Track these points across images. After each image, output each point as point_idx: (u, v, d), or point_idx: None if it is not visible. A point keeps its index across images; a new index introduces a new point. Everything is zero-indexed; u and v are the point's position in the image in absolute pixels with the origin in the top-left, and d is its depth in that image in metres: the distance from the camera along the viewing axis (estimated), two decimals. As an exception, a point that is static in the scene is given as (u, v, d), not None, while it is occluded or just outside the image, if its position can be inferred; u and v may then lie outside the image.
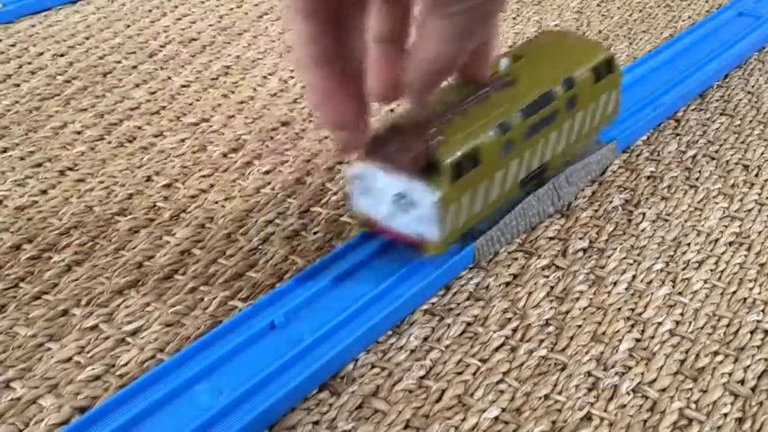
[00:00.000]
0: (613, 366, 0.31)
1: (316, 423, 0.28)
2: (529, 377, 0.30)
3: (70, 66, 0.53)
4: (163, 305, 0.33)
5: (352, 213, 0.36)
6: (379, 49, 0.28)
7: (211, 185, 0.41)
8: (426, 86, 0.29)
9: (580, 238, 0.37)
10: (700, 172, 0.41)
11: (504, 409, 0.29)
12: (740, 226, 0.38)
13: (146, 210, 0.39)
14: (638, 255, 0.36)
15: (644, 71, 0.48)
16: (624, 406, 0.29)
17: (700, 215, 0.38)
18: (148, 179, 0.41)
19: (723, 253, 0.36)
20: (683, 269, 0.35)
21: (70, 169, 0.42)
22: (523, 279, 0.35)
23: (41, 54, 0.54)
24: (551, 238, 0.37)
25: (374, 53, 0.28)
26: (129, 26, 0.58)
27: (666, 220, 0.38)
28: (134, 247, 0.37)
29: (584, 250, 0.36)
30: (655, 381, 0.30)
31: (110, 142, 0.45)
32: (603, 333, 0.32)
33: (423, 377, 0.30)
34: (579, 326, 0.32)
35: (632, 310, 0.33)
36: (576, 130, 0.37)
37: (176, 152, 0.44)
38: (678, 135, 0.45)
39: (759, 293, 0.34)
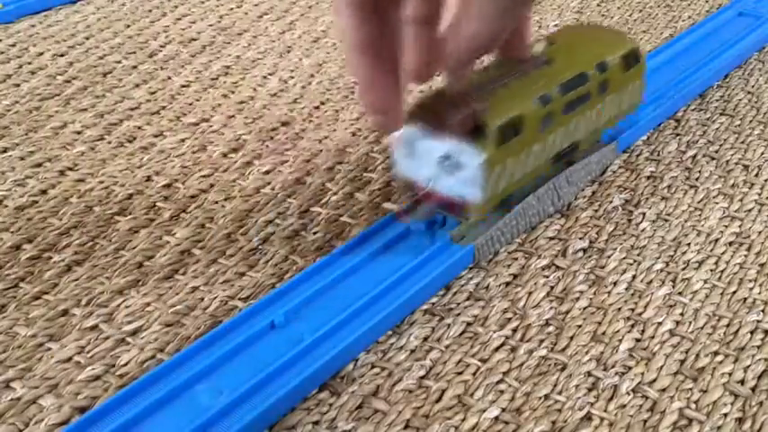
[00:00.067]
0: (613, 366, 0.31)
1: (316, 423, 0.28)
2: (529, 377, 0.30)
3: (70, 66, 0.53)
4: (163, 305, 0.33)
5: (395, 177, 0.36)
6: (414, 30, 0.30)
7: (211, 185, 0.41)
8: (466, 62, 0.30)
9: (580, 238, 0.37)
10: (700, 172, 0.41)
11: (504, 409, 0.29)
12: (740, 226, 0.38)
13: (146, 210, 0.39)
14: (638, 255, 0.36)
15: (644, 71, 0.48)
16: (624, 406, 0.29)
17: (700, 215, 0.38)
18: (148, 179, 0.41)
19: (723, 253, 0.36)
20: (683, 269, 0.35)
21: (70, 169, 0.42)
22: (523, 279, 0.35)
23: (41, 54, 0.54)
24: (551, 238, 0.37)
25: (410, 34, 0.30)
26: (129, 26, 0.58)
27: (666, 220, 0.38)
28: (134, 247, 0.37)
29: (584, 250, 0.36)
30: (655, 381, 0.30)
31: (110, 142, 0.45)
32: (603, 333, 0.32)
33: (423, 377, 0.30)
34: (579, 326, 0.32)
35: (632, 310, 0.33)
36: (605, 113, 0.39)
37: (176, 152, 0.44)
38: (678, 135, 0.45)
39: (759, 293, 0.34)
